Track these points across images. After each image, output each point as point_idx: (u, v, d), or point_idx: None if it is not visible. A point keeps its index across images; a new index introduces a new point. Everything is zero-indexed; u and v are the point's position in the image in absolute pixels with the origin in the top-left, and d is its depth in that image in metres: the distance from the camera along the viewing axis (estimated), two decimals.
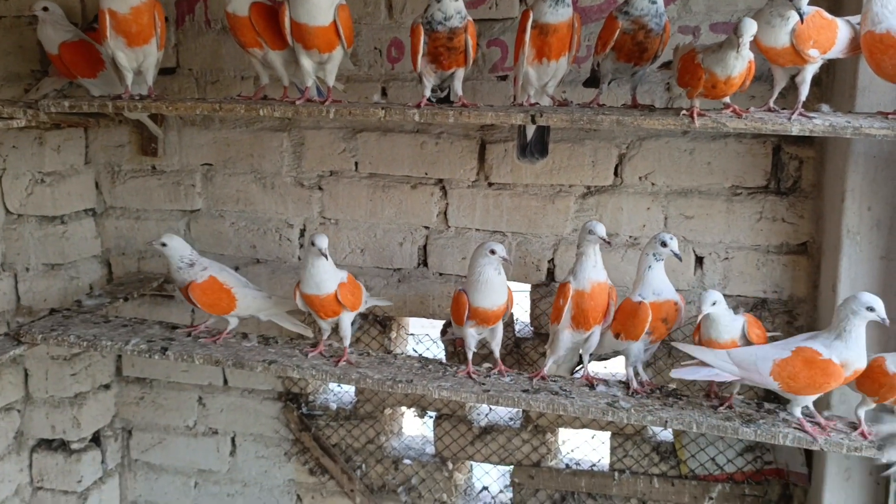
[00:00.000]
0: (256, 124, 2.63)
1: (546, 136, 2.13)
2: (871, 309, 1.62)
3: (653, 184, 2.31)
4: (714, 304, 1.78)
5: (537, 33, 1.89)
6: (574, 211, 2.41)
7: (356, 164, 2.59)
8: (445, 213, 2.55)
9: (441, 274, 2.58)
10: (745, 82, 1.69)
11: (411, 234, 2.59)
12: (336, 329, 2.15)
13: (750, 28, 1.59)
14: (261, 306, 2.26)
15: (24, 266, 2.66)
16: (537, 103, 2.01)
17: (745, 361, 1.74)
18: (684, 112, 1.73)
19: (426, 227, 2.58)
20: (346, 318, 2.11)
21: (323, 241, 2.00)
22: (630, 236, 2.36)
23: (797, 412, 1.78)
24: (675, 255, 1.88)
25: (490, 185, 2.49)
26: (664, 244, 1.87)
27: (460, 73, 1.97)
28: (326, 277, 2.05)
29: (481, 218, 2.51)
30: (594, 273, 1.89)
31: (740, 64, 1.64)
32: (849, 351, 1.66)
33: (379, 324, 2.67)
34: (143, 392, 2.92)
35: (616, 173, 2.35)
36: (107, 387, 2.89)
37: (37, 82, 2.54)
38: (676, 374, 1.80)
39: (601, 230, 1.85)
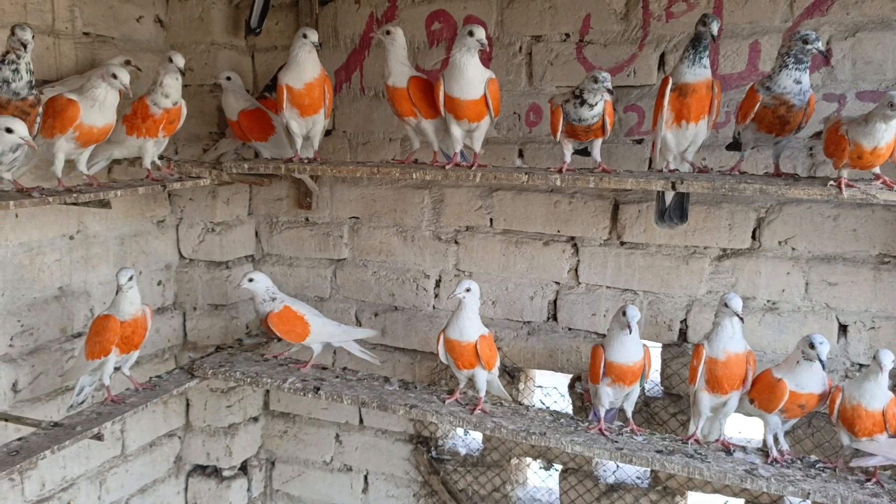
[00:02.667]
0: (401, 182, 2.83)
1: (685, 201, 2.18)
2: None
3: (793, 248, 2.30)
4: (888, 366, 1.73)
5: (676, 95, 1.98)
6: (709, 273, 2.42)
7: (491, 220, 2.73)
8: (576, 270, 2.63)
9: (570, 329, 2.65)
10: (894, 153, 1.68)
11: (542, 288, 2.69)
12: (471, 382, 2.25)
13: None
14: (332, 332, 2.51)
15: (192, 306, 2.97)
16: (676, 170, 2.08)
17: None
18: (831, 183, 1.74)
19: (557, 283, 2.66)
20: (481, 375, 2.21)
21: (461, 287, 2.15)
22: (768, 300, 2.34)
23: None
24: (821, 361, 1.82)
25: (622, 244, 2.55)
26: (812, 346, 1.82)
27: (598, 142, 2.07)
28: (470, 326, 2.18)
29: (612, 276, 2.57)
30: (730, 344, 1.91)
31: (888, 135, 1.65)
32: None
33: (508, 374, 2.76)
34: (287, 426, 3.15)
35: (754, 237, 2.35)
36: (255, 419, 3.14)
37: (214, 143, 2.88)
38: (857, 463, 1.78)
39: (736, 304, 1.88)
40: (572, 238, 2.62)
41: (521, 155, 2.66)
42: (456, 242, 2.80)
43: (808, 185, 1.78)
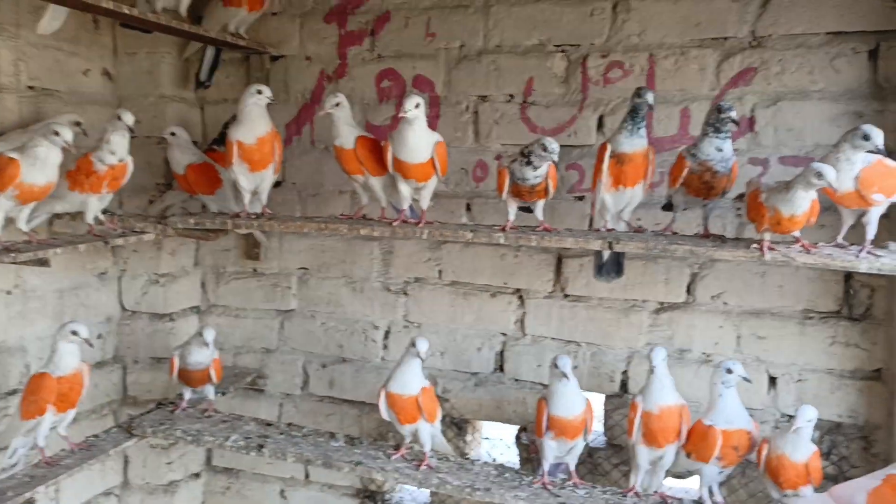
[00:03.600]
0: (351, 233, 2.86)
1: (621, 257, 2.26)
2: None
3: (725, 303, 2.40)
4: (809, 421, 1.82)
5: (615, 162, 2.07)
6: (647, 325, 2.51)
7: (440, 272, 2.78)
8: (522, 322, 2.68)
9: (517, 380, 2.69)
10: (810, 219, 1.79)
11: (489, 339, 2.73)
12: (416, 437, 2.26)
13: (833, 175, 1.70)
14: None
15: (133, 359, 2.91)
16: (613, 229, 2.16)
17: (843, 497, 1.75)
18: (754, 245, 1.84)
19: (503, 334, 2.71)
20: (424, 429, 2.21)
21: (423, 345, 2.16)
22: (703, 353, 2.43)
23: None
24: (745, 378, 1.94)
25: (566, 296, 2.62)
26: (730, 371, 1.93)
27: (541, 203, 2.15)
28: (413, 379, 2.19)
29: (557, 327, 2.63)
30: (661, 397, 1.98)
31: (805, 203, 1.76)
32: None
33: (455, 426, 2.77)
34: (230, 482, 3.09)
35: (688, 291, 2.45)
36: (197, 475, 3.07)
37: (160, 194, 2.86)
38: None
39: (655, 357, 1.96)
40: (518, 290, 2.69)
41: (468, 209, 2.73)
42: (405, 293, 2.83)
43: (733, 248, 1.88)
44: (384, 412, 2.23)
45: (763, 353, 2.36)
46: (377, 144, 2.26)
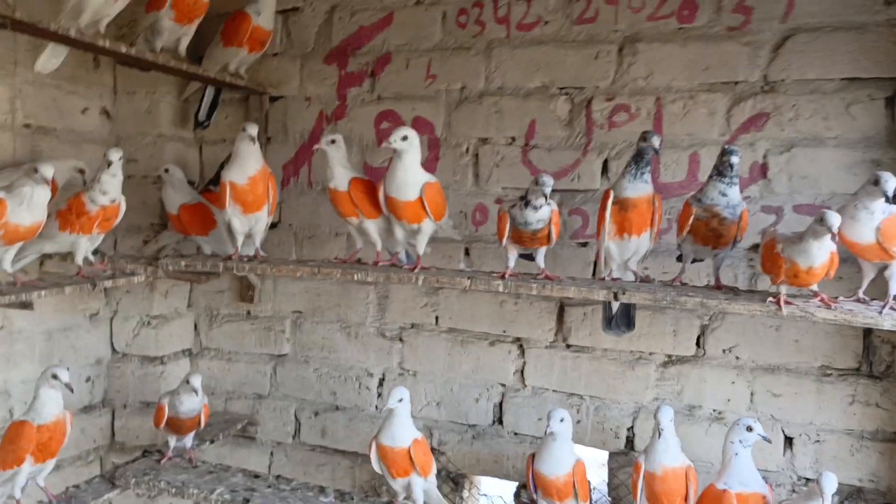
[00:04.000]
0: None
1: (632, 310, 2.16)
2: None
3: (737, 357, 2.28)
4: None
5: (618, 209, 1.98)
6: (655, 379, 2.39)
7: (437, 318, 2.68)
8: (522, 372, 2.57)
9: (516, 433, 2.57)
10: (829, 272, 1.69)
11: (487, 390, 2.62)
12: (408, 493, 2.14)
13: (835, 221, 1.60)
14: None
15: (123, 403, 2.82)
16: (619, 278, 2.07)
17: None
18: (770, 300, 1.74)
19: (503, 385, 2.60)
20: (417, 483, 2.09)
21: (396, 394, 2.05)
22: (714, 410, 2.31)
23: None
24: (764, 438, 1.83)
25: (568, 346, 2.51)
26: (750, 429, 1.82)
27: (542, 249, 2.06)
28: (403, 432, 2.08)
29: (559, 379, 2.52)
30: (665, 457, 1.86)
31: (822, 255, 1.66)
32: None
33: (452, 481, 2.64)
34: None
35: (698, 344, 2.34)
36: None
37: (155, 235, 2.80)
38: None
39: (661, 416, 1.85)
40: (518, 339, 2.58)
41: (467, 253, 2.64)
42: (401, 340, 2.73)
43: (747, 302, 1.77)
44: (375, 464, 2.13)
45: (778, 411, 2.23)
46: (372, 186, 2.20)
